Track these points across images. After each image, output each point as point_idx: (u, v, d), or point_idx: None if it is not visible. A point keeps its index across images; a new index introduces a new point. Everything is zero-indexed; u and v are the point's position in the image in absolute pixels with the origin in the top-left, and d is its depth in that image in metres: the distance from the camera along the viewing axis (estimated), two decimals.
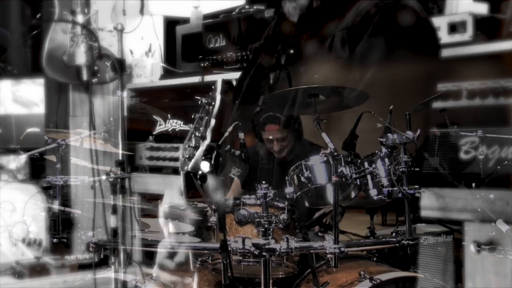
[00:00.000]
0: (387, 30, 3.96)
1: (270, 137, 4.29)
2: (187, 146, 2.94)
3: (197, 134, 2.87)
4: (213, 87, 2.91)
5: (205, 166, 2.93)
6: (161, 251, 3.63)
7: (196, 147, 2.86)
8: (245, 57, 5.17)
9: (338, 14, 4.09)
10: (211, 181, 3.01)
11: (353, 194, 3.51)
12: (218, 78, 2.93)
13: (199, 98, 5.29)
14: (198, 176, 2.97)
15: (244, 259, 3.34)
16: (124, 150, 3.73)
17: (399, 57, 3.88)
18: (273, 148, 4.32)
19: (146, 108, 4.62)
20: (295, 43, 4.45)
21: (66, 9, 5.39)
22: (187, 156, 2.88)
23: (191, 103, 5.59)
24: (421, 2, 4.50)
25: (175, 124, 5.41)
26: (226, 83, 4.65)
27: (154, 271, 3.83)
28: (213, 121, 2.81)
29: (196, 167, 2.89)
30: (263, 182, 3.46)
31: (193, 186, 3.13)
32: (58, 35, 5.42)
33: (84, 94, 5.73)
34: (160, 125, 5.48)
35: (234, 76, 5.13)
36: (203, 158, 2.90)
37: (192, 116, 2.95)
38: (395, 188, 3.31)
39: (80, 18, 5.33)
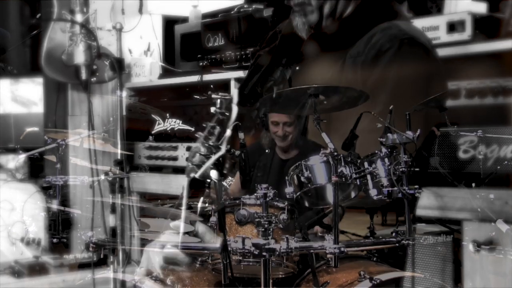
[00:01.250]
0: (400, 64, 4.00)
1: (277, 119, 4.26)
2: (196, 153, 2.91)
3: (209, 143, 2.84)
4: (228, 97, 2.88)
5: (214, 175, 2.91)
6: (162, 251, 3.63)
7: (207, 156, 2.83)
8: (244, 56, 5.17)
9: (349, 41, 4.11)
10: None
11: (353, 194, 3.51)
12: (234, 91, 2.88)
13: (197, 96, 5.32)
14: (206, 184, 2.97)
15: (244, 259, 3.34)
16: (123, 149, 3.73)
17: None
18: (277, 133, 4.29)
19: (145, 108, 4.62)
20: (301, 60, 4.46)
21: (65, 8, 5.40)
22: (196, 164, 2.86)
23: (190, 102, 5.62)
24: (420, 1, 4.51)
25: (174, 123, 5.42)
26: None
27: (142, 270, 3.82)
28: (228, 132, 2.78)
29: (205, 175, 2.87)
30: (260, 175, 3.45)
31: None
32: (57, 35, 5.43)
33: (83, 93, 5.74)
34: (159, 124, 5.48)
35: (232, 75, 5.13)
36: (212, 167, 2.88)
37: (204, 125, 2.92)
38: (395, 188, 3.30)
39: (79, 17, 5.34)
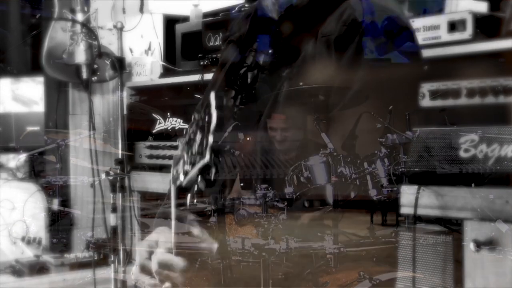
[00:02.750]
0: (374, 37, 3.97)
1: (275, 125, 4.26)
2: (179, 160, 2.86)
3: (193, 151, 2.78)
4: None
5: (202, 185, 2.86)
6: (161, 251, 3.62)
7: (192, 164, 2.77)
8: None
9: (320, 17, 4.07)
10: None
11: (352, 195, 3.51)
12: (212, 96, 2.76)
13: (198, 96, 5.31)
14: (195, 191, 2.91)
15: (244, 259, 3.34)
16: (123, 149, 3.73)
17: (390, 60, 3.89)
18: (276, 138, 4.29)
19: (145, 108, 4.63)
20: (273, 43, 4.42)
21: (66, 7, 5.41)
22: (182, 172, 2.81)
23: (191, 102, 5.62)
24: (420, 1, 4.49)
25: (174, 123, 5.41)
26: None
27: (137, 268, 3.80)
28: (211, 138, 2.71)
29: (191, 184, 2.82)
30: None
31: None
32: (57, 34, 5.43)
33: (84, 93, 5.74)
34: (159, 123, 5.48)
35: None
36: (200, 176, 2.81)
37: (184, 132, 2.87)
38: (395, 188, 3.30)
39: (79, 17, 5.35)
